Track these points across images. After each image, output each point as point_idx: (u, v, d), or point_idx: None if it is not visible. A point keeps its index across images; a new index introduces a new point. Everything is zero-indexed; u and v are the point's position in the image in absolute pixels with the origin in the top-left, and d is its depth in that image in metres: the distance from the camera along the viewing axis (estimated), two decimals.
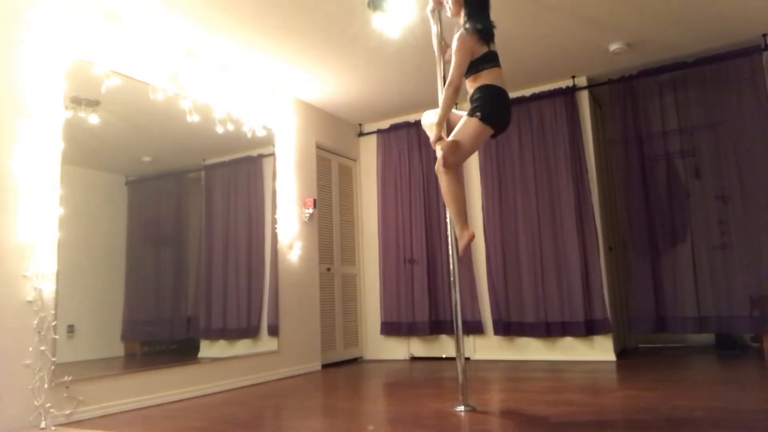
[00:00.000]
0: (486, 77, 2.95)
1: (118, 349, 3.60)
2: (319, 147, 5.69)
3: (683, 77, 5.01)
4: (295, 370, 4.88)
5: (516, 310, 5.16)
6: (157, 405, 3.60)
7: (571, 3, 3.91)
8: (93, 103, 3.53)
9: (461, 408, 2.96)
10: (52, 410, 3.01)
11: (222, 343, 4.32)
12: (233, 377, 4.26)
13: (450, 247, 3.13)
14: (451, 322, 5.33)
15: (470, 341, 5.38)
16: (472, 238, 2.88)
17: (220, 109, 4.45)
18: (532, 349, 5.12)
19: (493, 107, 2.92)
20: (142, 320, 3.75)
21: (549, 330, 4.99)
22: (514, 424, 2.60)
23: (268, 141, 4.97)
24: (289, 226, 5.08)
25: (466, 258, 5.36)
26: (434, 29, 3.28)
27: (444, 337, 5.59)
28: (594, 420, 2.61)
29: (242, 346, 4.45)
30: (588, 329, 4.83)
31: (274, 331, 4.71)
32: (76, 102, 3.42)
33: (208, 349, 4.20)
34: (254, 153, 4.84)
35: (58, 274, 3.18)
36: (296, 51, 4.41)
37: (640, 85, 5.14)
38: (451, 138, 2.95)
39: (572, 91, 5.18)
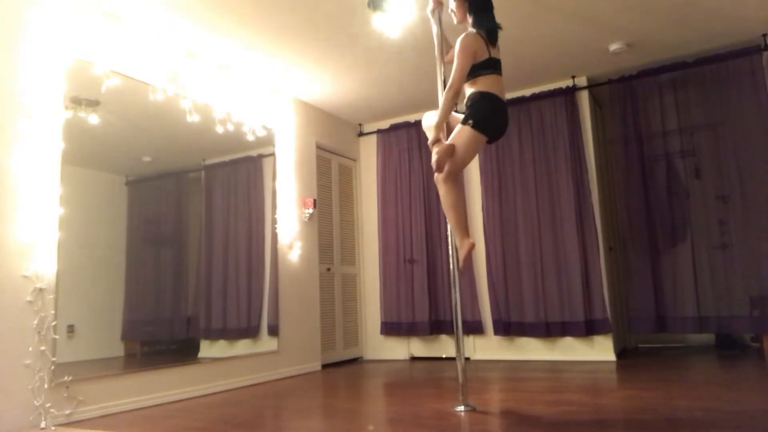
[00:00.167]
0: (483, 83, 2.92)
1: (118, 349, 3.60)
2: (319, 147, 5.69)
3: (683, 77, 5.01)
4: (295, 370, 4.88)
5: (516, 310, 5.16)
6: (157, 405, 3.60)
7: (571, 3, 3.91)
8: (93, 103, 3.53)
9: (461, 408, 2.96)
10: (52, 410, 3.01)
11: (222, 343, 4.32)
12: (233, 377, 4.26)
13: (450, 247, 3.13)
14: (451, 322, 5.33)
15: (470, 341, 5.38)
16: (472, 247, 2.84)
17: (220, 109, 4.45)
18: (532, 349, 5.12)
19: (485, 115, 2.89)
20: (142, 320, 3.75)
21: (549, 330, 4.99)
22: (514, 424, 2.60)
23: (268, 141, 4.97)
24: (289, 226, 5.08)
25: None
26: (434, 29, 3.28)
27: (444, 337, 5.59)
28: (594, 420, 2.61)
29: (242, 346, 4.45)
30: (588, 329, 4.83)
31: (274, 331, 4.71)
32: (76, 102, 3.42)
33: (208, 349, 4.20)
34: (254, 153, 4.84)
35: (58, 274, 3.18)
36: (296, 51, 4.42)
37: (640, 85, 5.14)
38: (448, 142, 2.95)
39: (572, 91, 5.18)
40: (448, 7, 3.19)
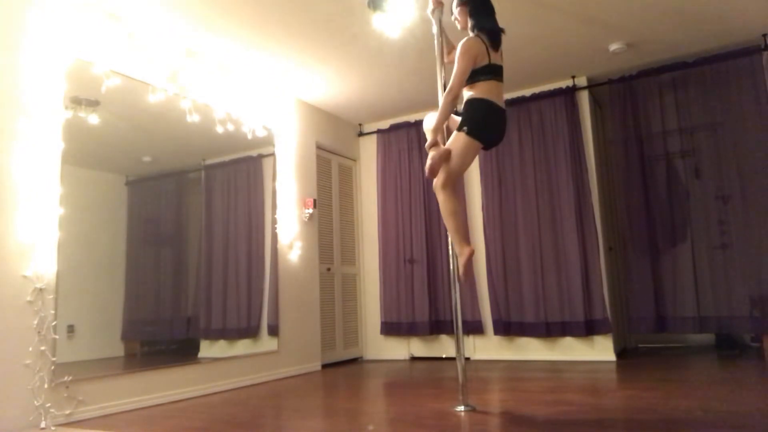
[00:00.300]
0: (481, 89, 2.91)
1: (118, 349, 3.60)
2: (319, 147, 5.69)
3: (683, 77, 5.01)
4: (295, 370, 4.88)
5: (516, 310, 5.16)
6: (157, 405, 3.60)
7: (571, 3, 3.91)
8: (93, 103, 3.53)
9: (461, 408, 2.96)
10: (52, 410, 3.01)
11: (222, 343, 4.32)
12: (233, 377, 4.26)
13: (450, 247, 3.13)
14: (451, 322, 5.33)
15: (470, 341, 5.39)
16: (471, 254, 2.83)
17: (220, 109, 4.45)
18: (532, 349, 5.12)
19: (480, 123, 2.88)
20: (142, 320, 3.75)
21: (549, 330, 4.99)
22: (514, 425, 2.60)
23: (268, 141, 4.97)
24: (289, 226, 5.08)
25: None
26: (435, 30, 3.28)
27: (444, 337, 5.59)
28: (594, 420, 2.61)
29: (242, 346, 4.45)
30: (588, 329, 4.83)
31: (274, 331, 4.71)
32: (76, 102, 3.42)
33: (208, 349, 4.20)
34: (254, 153, 4.84)
35: (58, 274, 3.18)
36: (296, 51, 4.41)
37: (640, 85, 5.14)
38: (444, 147, 2.94)
39: (572, 91, 5.18)
40: (452, 15, 3.18)
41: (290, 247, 5.06)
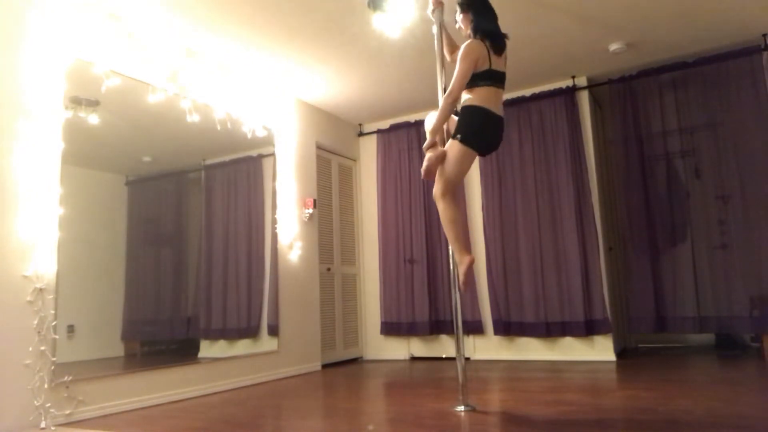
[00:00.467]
0: (478, 95, 2.88)
1: (118, 349, 3.60)
2: (319, 147, 5.69)
3: (683, 77, 5.01)
4: (295, 370, 4.88)
5: (516, 310, 5.16)
6: (157, 405, 3.60)
7: (571, 3, 3.91)
8: (93, 103, 3.53)
9: (461, 408, 2.96)
10: (52, 410, 3.01)
11: (222, 343, 4.32)
12: (233, 377, 4.26)
13: (450, 247, 3.12)
14: (451, 322, 5.33)
15: (470, 341, 5.39)
16: (471, 263, 2.82)
17: (220, 109, 4.45)
18: (532, 349, 5.12)
19: (474, 131, 2.87)
20: (142, 320, 3.75)
21: (549, 330, 4.99)
22: (514, 425, 2.60)
23: (268, 141, 4.97)
24: (289, 226, 5.08)
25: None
26: (435, 30, 3.28)
27: (444, 337, 5.59)
28: (594, 420, 2.61)
29: (242, 346, 4.45)
30: (588, 329, 4.83)
31: (274, 331, 4.71)
32: (76, 102, 3.42)
33: (208, 349, 4.20)
34: (254, 153, 4.84)
35: (58, 274, 3.18)
36: (296, 51, 4.41)
37: (640, 85, 5.14)
38: (442, 149, 2.94)
39: (572, 91, 5.18)
40: (456, 23, 3.17)
41: (290, 247, 5.06)
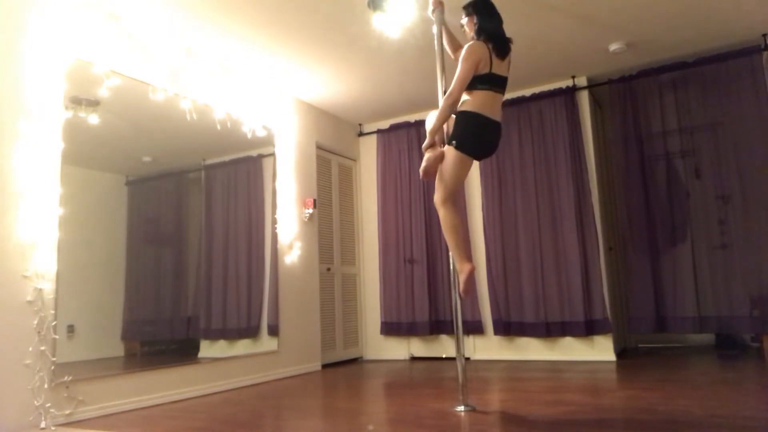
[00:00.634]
0: (475, 98, 2.87)
1: (118, 349, 3.60)
2: (319, 147, 5.69)
3: (683, 77, 5.01)
4: (295, 370, 4.88)
5: (516, 310, 5.16)
6: (157, 405, 3.60)
7: (571, 3, 3.91)
8: (93, 103, 3.53)
9: (461, 408, 2.96)
10: (52, 410, 3.01)
11: (222, 343, 4.32)
12: (233, 377, 4.26)
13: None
14: (451, 322, 5.33)
15: (470, 341, 5.39)
16: (472, 271, 2.81)
17: (220, 109, 4.45)
18: (532, 349, 5.12)
19: (469, 137, 2.86)
20: (142, 320, 3.75)
21: (549, 330, 4.99)
22: (514, 425, 2.60)
23: (268, 141, 4.97)
24: (289, 226, 5.08)
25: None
26: (435, 30, 3.28)
27: (444, 337, 5.59)
28: (594, 420, 2.61)
29: (242, 346, 4.45)
30: (588, 329, 4.83)
31: (274, 331, 4.71)
32: (76, 102, 3.42)
33: (208, 349, 4.20)
34: (254, 153, 4.84)
35: (58, 274, 3.18)
36: (296, 51, 4.41)
37: (640, 85, 5.14)
38: (440, 150, 2.94)
39: (572, 91, 5.18)
40: (461, 27, 3.16)
41: (290, 247, 5.06)
